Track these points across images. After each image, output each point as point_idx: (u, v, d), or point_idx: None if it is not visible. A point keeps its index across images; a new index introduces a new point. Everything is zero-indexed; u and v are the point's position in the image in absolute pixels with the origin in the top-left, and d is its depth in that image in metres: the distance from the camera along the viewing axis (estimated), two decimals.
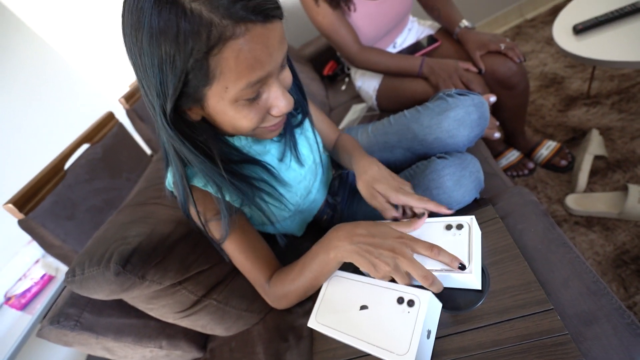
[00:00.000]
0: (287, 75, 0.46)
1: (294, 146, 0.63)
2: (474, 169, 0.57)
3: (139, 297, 0.64)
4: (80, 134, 1.07)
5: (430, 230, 0.51)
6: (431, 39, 1.19)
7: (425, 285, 0.44)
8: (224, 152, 0.52)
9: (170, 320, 0.66)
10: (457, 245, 0.47)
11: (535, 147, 1.31)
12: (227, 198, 0.55)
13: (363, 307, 0.49)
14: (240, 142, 0.58)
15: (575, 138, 1.31)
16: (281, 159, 0.62)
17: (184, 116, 0.45)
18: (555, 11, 1.91)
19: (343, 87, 1.72)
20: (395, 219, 0.55)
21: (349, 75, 1.77)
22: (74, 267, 0.58)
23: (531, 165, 1.29)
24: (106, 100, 1.95)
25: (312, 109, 0.77)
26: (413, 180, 0.61)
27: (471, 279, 0.45)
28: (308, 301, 0.69)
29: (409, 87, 1.11)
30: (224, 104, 0.41)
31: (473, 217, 0.50)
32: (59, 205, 0.95)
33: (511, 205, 0.55)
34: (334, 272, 0.54)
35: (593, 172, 1.16)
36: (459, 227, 0.49)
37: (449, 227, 0.50)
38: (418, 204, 0.52)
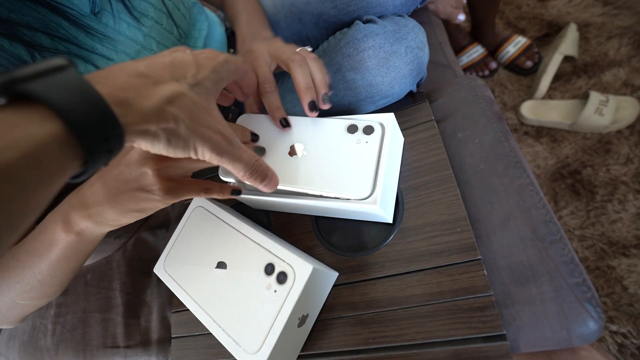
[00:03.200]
0: None
1: None
2: (414, 43, 0.36)
3: None
4: None
5: (325, 131, 0.32)
6: None
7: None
8: None
9: None
10: (361, 159, 0.30)
11: (502, 42, 1.12)
12: None
13: (220, 265, 0.33)
14: None
15: (548, 34, 1.12)
16: (95, 10, 0.36)
17: None
18: None
19: None
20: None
21: None
22: None
23: (494, 65, 1.12)
24: None
25: None
26: (324, 57, 0.40)
27: (375, 210, 0.29)
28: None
29: None
30: None
31: (391, 115, 0.31)
32: None
33: (456, 102, 0.37)
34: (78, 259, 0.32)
35: (557, 77, 1.01)
36: (368, 130, 0.31)
37: (352, 128, 0.31)
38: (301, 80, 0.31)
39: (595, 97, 0.89)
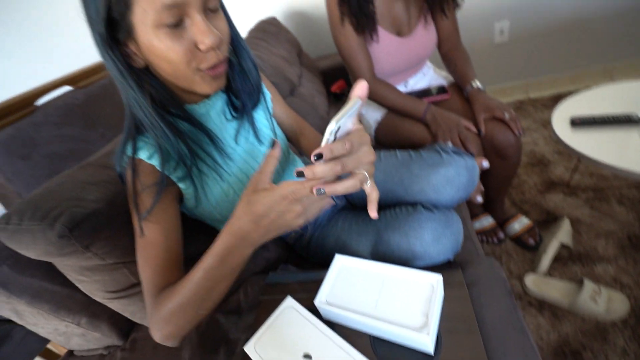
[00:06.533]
0: (219, 22, 0.48)
1: (251, 124, 0.62)
2: (456, 230, 0.56)
3: (72, 267, 0.58)
4: (64, 74, 1.00)
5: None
6: (441, 89, 1.21)
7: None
8: (167, 100, 0.51)
9: (99, 299, 0.60)
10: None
11: (509, 218, 1.34)
12: (168, 172, 0.53)
13: (307, 357, 0.46)
14: (199, 111, 0.57)
15: (547, 221, 1.35)
16: (236, 140, 0.61)
17: (128, 60, 0.47)
18: (556, 98, 2.02)
19: None
20: None
21: None
22: (11, 214, 0.52)
23: (502, 235, 1.31)
24: None
25: (292, 113, 0.76)
26: (394, 222, 0.60)
27: (426, 341, 0.43)
28: (251, 314, 0.65)
29: (409, 128, 1.12)
30: (148, 32, 0.43)
31: (440, 277, 0.48)
32: (17, 140, 0.87)
33: (479, 275, 0.54)
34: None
35: (556, 258, 1.19)
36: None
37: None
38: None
39: (589, 285, 1.04)
